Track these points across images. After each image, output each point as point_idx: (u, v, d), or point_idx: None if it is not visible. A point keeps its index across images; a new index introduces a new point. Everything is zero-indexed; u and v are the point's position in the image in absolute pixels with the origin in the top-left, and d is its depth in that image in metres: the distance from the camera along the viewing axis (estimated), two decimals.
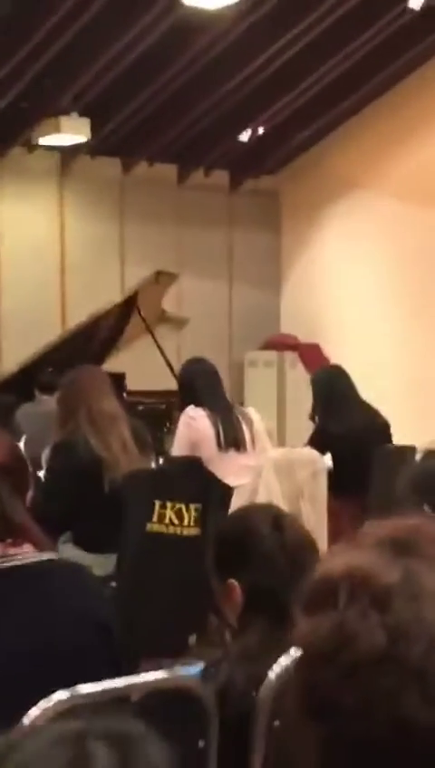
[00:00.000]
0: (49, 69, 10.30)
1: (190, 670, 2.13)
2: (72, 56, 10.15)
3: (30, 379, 8.46)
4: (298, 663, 0.95)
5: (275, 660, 1.95)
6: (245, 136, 12.75)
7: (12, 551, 2.08)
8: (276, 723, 1.97)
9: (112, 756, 0.90)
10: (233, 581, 2.13)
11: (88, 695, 1.73)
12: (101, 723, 0.95)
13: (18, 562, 2.06)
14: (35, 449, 5.92)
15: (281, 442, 11.59)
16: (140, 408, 8.36)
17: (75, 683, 1.75)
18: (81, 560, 4.35)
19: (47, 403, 7.60)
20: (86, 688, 1.75)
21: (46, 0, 9.21)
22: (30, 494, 2.21)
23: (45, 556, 2.13)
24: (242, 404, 10.68)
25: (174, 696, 1.93)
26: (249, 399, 12.69)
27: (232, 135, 12.64)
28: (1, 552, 2.07)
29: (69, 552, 4.44)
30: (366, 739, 0.88)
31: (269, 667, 1.97)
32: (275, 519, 2.16)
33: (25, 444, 7.31)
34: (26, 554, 2.09)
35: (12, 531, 2.08)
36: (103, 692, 1.77)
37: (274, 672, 1.96)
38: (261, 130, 12.75)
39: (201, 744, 1.89)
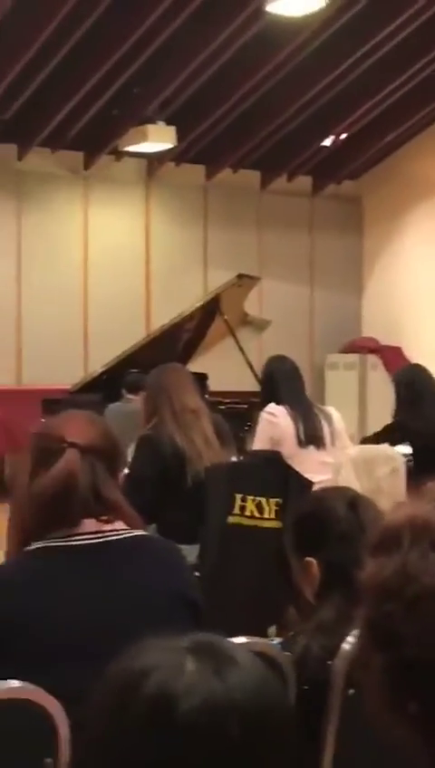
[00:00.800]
0: (136, 78, 10.53)
1: (270, 642, 2.27)
2: (159, 65, 10.37)
3: (116, 379, 8.68)
4: (365, 600, 1.09)
5: (349, 633, 2.08)
6: (328, 141, 12.84)
7: (106, 527, 2.23)
8: (351, 691, 2.09)
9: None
10: (310, 559, 2.26)
11: None
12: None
13: (112, 537, 2.21)
14: (123, 446, 6.12)
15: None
16: (222, 408, 8.50)
17: None
18: None
19: (133, 402, 7.83)
20: None
21: (134, 11, 9.43)
22: (121, 475, 2.37)
23: (138, 532, 2.28)
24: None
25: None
26: (330, 402, 12.73)
27: (315, 140, 12.75)
28: (96, 528, 2.21)
29: None
30: (423, 663, 1.02)
31: (344, 639, 2.09)
32: (351, 500, 2.30)
33: None
34: (119, 531, 2.24)
35: (106, 508, 2.22)
36: None
37: (348, 643, 2.08)
38: (344, 136, 12.83)
39: None
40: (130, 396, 8.02)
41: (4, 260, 11.63)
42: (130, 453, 5.57)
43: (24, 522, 2.27)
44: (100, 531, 2.22)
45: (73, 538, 2.20)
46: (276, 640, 2.24)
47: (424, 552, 1.04)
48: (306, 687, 2.11)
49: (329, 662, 2.11)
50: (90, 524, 2.22)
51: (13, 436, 9.77)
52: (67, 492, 2.19)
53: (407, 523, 1.07)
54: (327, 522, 2.27)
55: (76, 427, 2.29)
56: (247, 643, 2.03)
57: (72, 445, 2.23)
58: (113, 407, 7.98)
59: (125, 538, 2.24)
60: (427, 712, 1.03)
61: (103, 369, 9.42)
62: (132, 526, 2.29)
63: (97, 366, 10.01)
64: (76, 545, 2.19)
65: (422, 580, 1.03)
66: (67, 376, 10.49)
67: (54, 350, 11.66)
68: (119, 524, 2.26)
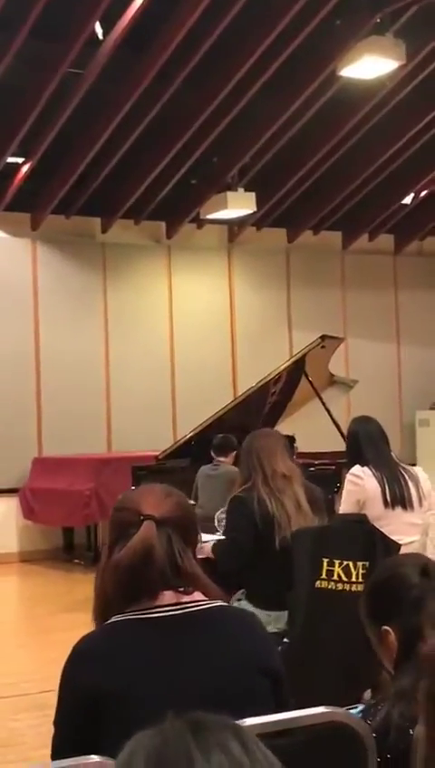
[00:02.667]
0: (215, 146, 10.74)
1: (352, 711, 2.26)
2: (237, 133, 10.57)
3: (204, 444, 8.74)
4: (427, 673, 1.08)
5: None
6: (408, 199, 12.87)
7: (185, 598, 2.25)
8: None
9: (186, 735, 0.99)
10: (387, 628, 2.25)
11: (251, 726, 1.88)
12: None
13: (191, 609, 2.23)
14: (212, 509, 6.18)
15: None
16: (311, 469, 8.48)
17: None
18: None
19: (222, 465, 7.88)
20: (249, 721, 1.90)
21: (210, 82, 9.64)
22: (199, 545, 2.40)
23: (216, 603, 2.29)
24: (414, 464, 10.67)
25: (336, 732, 2.06)
26: (422, 458, 12.64)
27: (395, 199, 12.79)
28: (175, 599, 2.24)
29: (245, 607, 4.62)
30: None
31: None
32: (423, 566, 2.28)
33: (203, 504, 7.61)
34: (198, 602, 2.26)
35: (184, 580, 2.25)
36: (265, 725, 1.92)
37: None
38: (424, 193, 12.84)
39: None
40: (219, 459, 8.08)
41: (92, 331, 11.85)
42: (217, 516, 5.63)
43: (105, 594, 2.31)
44: (179, 602, 2.24)
45: (153, 610, 2.22)
46: (358, 708, 2.21)
47: None
48: (389, 756, 2.09)
49: (411, 730, 2.09)
50: (169, 596, 2.24)
51: (104, 505, 9.90)
52: (144, 564, 2.22)
53: None
54: (400, 589, 2.26)
55: (152, 499, 2.33)
56: (326, 713, 2.02)
57: (149, 517, 2.27)
58: (203, 469, 8.05)
59: (204, 609, 2.25)
60: None
61: (191, 434, 9.48)
62: (211, 597, 2.30)
63: (185, 432, 10.09)
64: (156, 617, 2.21)
65: None
66: (156, 442, 10.59)
67: (143, 418, 11.80)
68: (198, 595, 2.28)
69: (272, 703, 2.21)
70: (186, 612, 2.22)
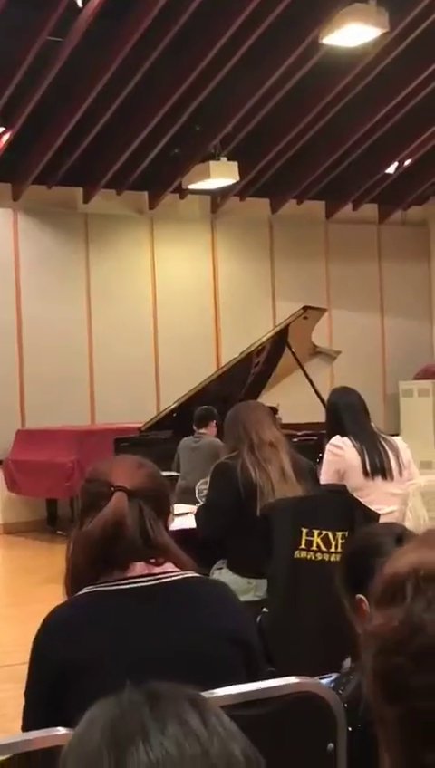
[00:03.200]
0: (197, 116, 10.66)
1: (324, 680, 2.25)
2: (219, 102, 10.49)
3: (187, 415, 8.73)
4: (373, 653, 1.06)
5: None
6: (391, 168, 12.82)
7: (156, 570, 2.24)
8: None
9: (142, 705, 0.96)
10: (361, 596, 2.25)
11: (220, 697, 1.87)
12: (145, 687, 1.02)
13: (162, 580, 2.22)
14: (194, 481, 6.18)
15: None
16: (294, 440, 8.48)
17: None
18: (236, 584, 4.54)
19: (204, 437, 7.88)
20: (219, 692, 1.90)
21: (190, 51, 9.55)
22: (171, 517, 2.38)
23: (188, 574, 2.28)
24: (398, 434, 10.70)
25: (306, 703, 2.05)
26: (405, 429, 12.67)
27: (379, 168, 12.74)
28: (146, 570, 2.23)
29: (225, 576, 4.64)
30: None
31: None
32: (399, 536, 2.28)
33: (185, 475, 7.62)
34: (169, 573, 2.25)
35: (155, 550, 2.24)
36: (234, 695, 1.92)
37: None
38: (407, 162, 12.79)
39: (330, 746, 2.01)
40: (201, 431, 8.07)
41: (74, 302, 11.80)
42: (200, 487, 5.63)
43: (76, 565, 2.30)
44: (150, 573, 2.23)
45: (124, 581, 2.21)
46: (330, 678, 2.21)
47: (429, 601, 1.01)
48: (359, 727, 2.08)
49: None
50: (140, 567, 2.23)
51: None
52: (115, 535, 2.21)
53: (410, 571, 1.04)
54: (375, 558, 2.26)
55: (123, 470, 2.31)
56: (297, 683, 2.02)
57: (120, 488, 2.25)
58: (185, 441, 8.04)
59: (176, 580, 2.25)
60: None
61: (174, 405, 9.48)
62: (183, 568, 2.29)
63: (169, 402, 10.09)
64: (127, 588, 2.21)
65: (428, 631, 1.00)
66: (140, 413, 10.58)
67: (126, 390, 11.77)
68: (169, 566, 2.27)
69: (244, 673, 2.21)
70: (157, 583, 2.22)
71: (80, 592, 2.23)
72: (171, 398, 10.05)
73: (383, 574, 1.08)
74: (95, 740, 0.95)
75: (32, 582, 8.34)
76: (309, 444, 8.56)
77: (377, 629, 1.04)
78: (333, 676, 2.34)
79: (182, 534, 4.98)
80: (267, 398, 9.69)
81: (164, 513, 2.33)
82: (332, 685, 2.19)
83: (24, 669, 2.24)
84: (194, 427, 8.23)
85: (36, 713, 2.17)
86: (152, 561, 2.24)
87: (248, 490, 4.54)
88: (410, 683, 1.00)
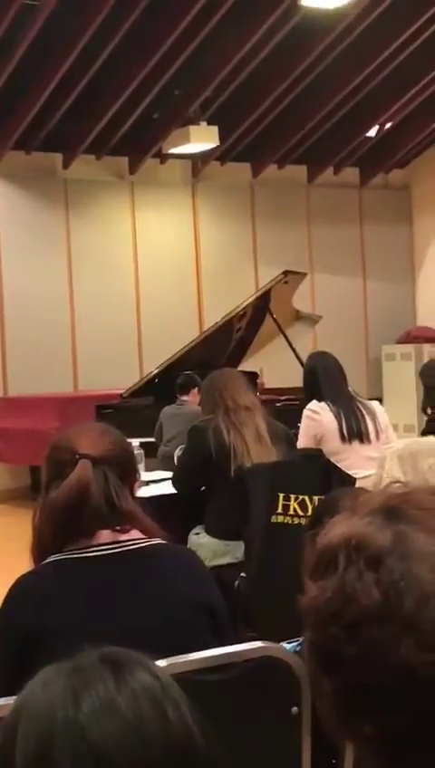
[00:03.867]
0: (176, 80, 10.57)
1: (291, 644, 2.27)
2: (198, 66, 10.40)
3: (169, 381, 8.73)
4: (308, 624, 1.06)
5: None
6: (372, 131, 12.76)
7: (122, 537, 2.24)
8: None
9: (106, 675, 0.99)
10: None
11: (185, 662, 1.89)
12: (97, 652, 1.05)
13: (128, 547, 2.23)
14: (175, 447, 6.20)
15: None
16: (277, 405, 8.50)
17: None
18: (212, 546, 4.57)
19: (187, 404, 7.87)
20: (184, 657, 1.91)
21: (168, 14, 9.46)
22: (137, 483, 2.39)
23: (154, 541, 2.29)
24: (381, 398, 10.72)
25: (270, 667, 2.07)
26: (388, 393, 12.70)
27: (360, 131, 12.68)
28: (112, 538, 2.23)
29: (202, 539, 4.66)
30: (370, 686, 0.99)
31: None
32: None
33: (166, 442, 7.62)
34: (135, 540, 2.25)
35: (121, 518, 2.24)
36: (199, 660, 1.93)
37: None
38: (389, 125, 12.74)
39: (294, 710, 2.03)
40: (183, 398, 8.06)
41: (55, 268, 11.74)
42: (177, 453, 5.65)
43: (42, 533, 2.30)
44: (116, 541, 2.24)
45: (89, 549, 2.22)
46: (296, 642, 2.22)
47: (360, 571, 1.01)
48: None
49: None
50: (106, 535, 2.24)
51: None
52: (80, 503, 2.21)
53: (342, 542, 1.04)
54: None
55: (88, 438, 2.31)
56: (260, 647, 2.03)
57: (84, 456, 2.25)
58: (167, 409, 8.03)
59: (142, 547, 2.26)
60: (379, 733, 1.00)
61: (156, 371, 9.47)
62: (149, 535, 2.30)
63: (152, 367, 10.07)
64: (92, 556, 2.21)
65: (360, 601, 1.00)
66: (122, 380, 10.56)
67: (109, 356, 11.75)
68: (135, 534, 2.28)
69: (210, 639, 2.22)
70: (123, 551, 2.23)
71: (46, 561, 2.24)
72: (154, 364, 10.03)
73: (316, 546, 1.08)
74: (52, 696, 0.96)
75: (15, 549, 8.33)
76: (291, 408, 8.56)
77: (311, 602, 1.04)
78: (296, 642, 2.35)
79: (163, 500, 5.02)
80: (250, 364, 9.70)
81: (130, 481, 2.33)
82: (298, 648, 2.20)
83: None
84: (176, 395, 8.23)
85: (3, 681, 2.18)
86: (118, 528, 2.25)
87: (221, 451, 4.57)
88: (344, 653, 1.00)
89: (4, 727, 0.98)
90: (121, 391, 9.74)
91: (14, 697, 1.87)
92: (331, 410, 5.13)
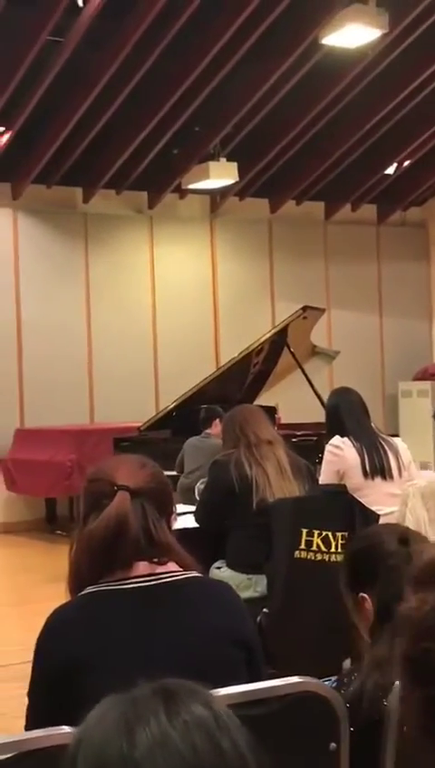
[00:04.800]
0: (196, 116, 10.66)
1: (327, 682, 2.26)
2: (218, 103, 10.49)
3: (186, 415, 8.74)
4: (407, 635, 1.07)
5: None
6: (390, 169, 12.83)
7: (159, 569, 2.24)
8: (405, 728, 2.07)
9: (158, 705, 0.98)
10: (364, 595, 2.26)
11: (223, 697, 1.88)
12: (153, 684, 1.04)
13: (165, 580, 2.23)
14: (196, 480, 6.20)
15: None
16: (293, 440, 8.50)
17: None
18: (235, 580, 4.55)
19: (210, 437, 7.88)
20: (221, 692, 1.90)
21: (191, 51, 9.56)
22: (174, 516, 2.39)
23: (191, 574, 2.29)
24: (397, 435, 10.70)
25: (308, 702, 2.06)
26: (404, 430, 12.68)
27: (378, 169, 12.75)
28: (149, 570, 2.23)
29: (224, 573, 4.65)
30: None
31: (398, 675, 2.07)
32: (401, 534, 2.30)
33: (188, 474, 7.63)
34: (172, 572, 2.25)
35: (158, 550, 2.24)
36: (237, 695, 1.92)
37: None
38: (406, 163, 12.81)
39: (332, 746, 2.01)
40: (206, 431, 8.08)
41: (73, 301, 11.80)
42: (199, 486, 5.65)
43: (79, 565, 2.30)
44: (153, 573, 2.24)
45: (127, 581, 2.22)
46: (331, 679, 2.22)
47: None
48: (361, 726, 2.09)
49: (384, 700, 2.09)
50: (143, 567, 2.24)
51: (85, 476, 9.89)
52: (118, 534, 2.21)
53: None
54: (378, 557, 2.27)
55: (126, 469, 2.31)
56: (299, 682, 2.02)
57: (123, 487, 2.25)
58: (191, 441, 8.05)
59: (178, 580, 2.25)
60: None
61: (173, 405, 9.48)
62: (186, 568, 2.29)
63: (168, 402, 10.09)
64: (130, 588, 2.21)
65: None
66: (139, 413, 10.58)
67: (125, 389, 11.78)
68: (172, 566, 2.27)
69: (245, 673, 2.21)
70: (160, 583, 2.22)
71: (82, 592, 2.24)
72: (170, 398, 10.05)
73: (421, 559, 1.09)
74: (108, 730, 0.96)
75: (31, 582, 8.35)
76: (308, 444, 8.56)
77: (410, 612, 1.05)
78: (333, 679, 2.34)
79: (182, 534, 5.02)
80: (266, 398, 9.71)
81: (167, 513, 2.33)
82: (334, 685, 2.19)
83: (25, 668, 2.24)
84: (200, 428, 8.24)
85: (39, 712, 2.17)
86: (155, 560, 2.24)
87: (243, 485, 4.57)
88: None
89: (66, 760, 0.98)
90: (138, 424, 9.75)
91: (52, 728, 1.88)
92: (353, 446, 5.13)
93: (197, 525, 4.98)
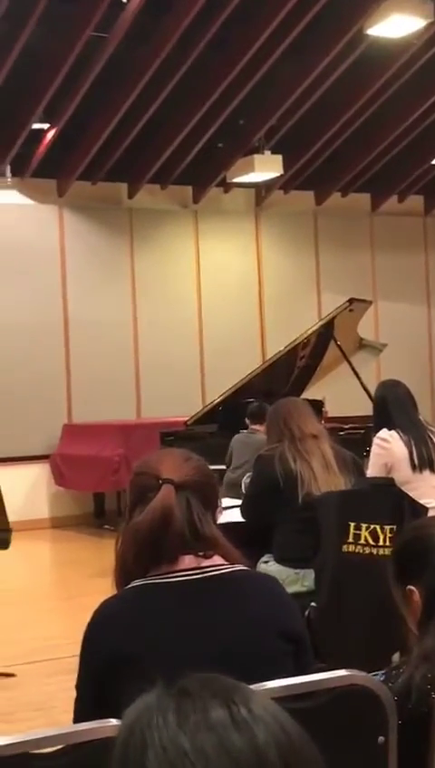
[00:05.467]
0: (241, 109, 10.64)
1: (374, 675, 2.24)
2: (263, 96, 10.46)
3: (232, 409, 8.72)
4: None
5: None
6: None
7: (205, 562, 2.24)
8: None
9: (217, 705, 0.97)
10: (412, 588, 2.24)
11: (269, 690, 1.87)
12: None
13: (211, 573, 2.22)
14: (242, 475, 6.19)
15: None
16: (340, 433, 8.46)
17: None
18: (282, 574, 4.54)
19: (258, 432, 7.86)
20: (268, 685, 1.89)
21: (234, 45, 9.54)
22: (219, 510, 2.38)
23: (237, 567, 2.28)
24: None
25: (356, 695, 2.05)
26: None
27: (424, 160, 12.64)
28: (194, 564, 2.23)
29: (271, 568, 4.64)
30: None
31: None
32: None
33: (234, 469, 7.63)
34: (218, 566, 2.25)
35: (203, 543, 2.24)
36: (284, 688, 1.91)
37: None
38: None
39: (381, 740, 2.00)
40: (254, 426, 8.06)
41: (119, 297, 11.85)
42: (244, 480, 5.65)
43: (125, 559, 2.30)
44: (199, 567, 2.23)
45: (173, 575, 2.21)
46: (380, 673, 2.20)
47: None
48: (409, 720, 2.07)
49: (432, 693, 2.07)
50: (189, 560, 2.23)
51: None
52: (164, 528, 2.21)
53: None
54: (426, 550, 2.24)
55: (171, 463, 2.31)
56: (347, 676, 2.01)
57: (168, 481, 2.25)
58: (238, 436, 8.04)
59: (224, 573, 2.24)
60: None
61: (219, 399, 9.48)
62: (232, 561, 2.29)
63: (214, 396, 10.09)
64: (176, 582, 2.21)
65: None
66: (185, 407, 10.59)
67: (172, 383, 11.80)
68: (218, 559, 2.26)
69: (292, 666, 2.20)
70: (206, 576, 2.22)
71: (129, 585, 2.24)
72: (216, 393, 10.05)
73: None
74: (155, 720, 0.96)
75: (80, 576, 8.40)
76: (356, 437, 8.52)
77: None
78: (381, 672, 2.32)
79: (229, 528, 5.01)
80: (313, 392, 9.67)
81: (212, 506, 2.32)
82: (382, 678, 2.18)
83: (74, 662, 2.25)
84: (247, 422, 8.23)
85: (86, 705, 2.18)
86: (201, 554, 2.24)
87: (288, 480, 4.55)
88: None
89: (114, 750, 0.98)
90: (185, 419, 9.77)
91: (99, 721, 1.88)
92: (401, 439, 5.08)
93: (243, 520, 4.98)
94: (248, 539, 4.90)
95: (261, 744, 0.93)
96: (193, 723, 0.94)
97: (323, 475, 4.58)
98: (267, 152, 11.33)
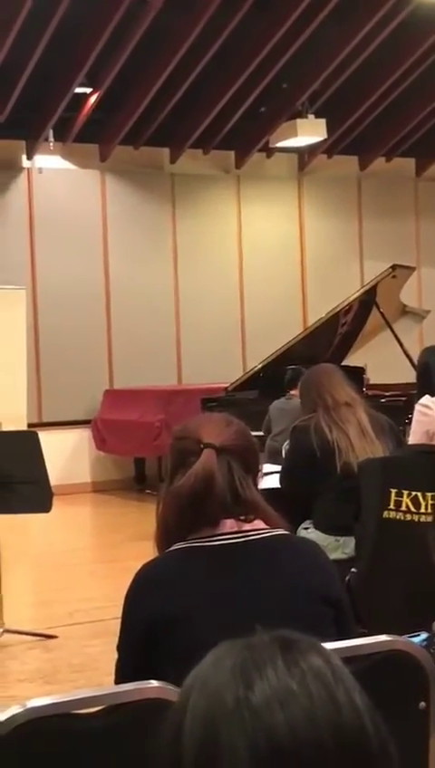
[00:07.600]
0: (284, 73, 10.54)
1: (415, 639, 2.24)
2: (306, 59, 10.35)
3: (273, 376, 8.71)
4: None
5: None
6: None
7: (246, 526, 2.24)
8: None
9: (277, 656, 0.97)
10: None
11: None
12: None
13: (252, 537, 2.22)
14: (283, 441, 6.19)
15: None
16: (382, 401, 8.42)
17: None
18: (323, 541, 4.54)
19: (295, 398, 7.84)
20: None
21: (277, 7, 9.43)
22: (260, 475, 2.38)
23: (278, 531, 2.28)
24: None
25: (397, 661, 2.05)
26: None
27: None
28: (236, 527, 2.23)
29: (311, 535, 4.64)
30: None
31: None
32: None
33: (274, 436, 7.62)
34: (259, 530, 2.25)
35: (244, 507, 2.24)
36: None
37: None
38: None
39: (422, 705, 2.00)
40: (291, 392, 8.04)
41: (161, 262, 11.84)
42: (285, 446, 5.64)
43: (167, 522, 2.31)
44: (240, 530, 2.23)
45: (214, 538, 2.22)
46: (421, 636, 2.20)
47: None
48: None
49: None
50: (230, 524, 2.24)
51: None
52: (205, 492, 2.21)
53: None
54: None
55: (212, 427, 2.31)
56: (388, 641, 2.01)
57: (209, 445, 2.25)
58: (276, 403, 8.03)
59: (265, 537, 2.25)
60: None
61: (260, 365, 9.46)
62: (272, 525, 2.29)
63: (255, 363, 10.08)
64: (217, 545, 2.21)
65: None
66: (226, 373, 10.59)
67: (213, 349, 11.80)
68: (259, 524, 2.27)
69: (334, 631, 2.20)
70: (247, 540, 2.22)
71: (170, 549, 2.25)
72: (258, 358, 10.03)
73: None
74: (224, 675, 0.96)
75: (120, 540, 8.47)
76: (398, 405, 8.47)
77: None
78: (423, 634, 2.32)
79: (270, 493, 5.02)
80: (355, 359, 9.62)
81: (253, 471, 2.32)
82: (423, 644, 2.18)
83: (116, 624, 2.27)
84: (284, 389, 8.21)
85: (127, 666, 2.20)
86: (242, 518, 2.24)
87: (325, 450, 4.54)
88: None
89: (174, 708, 0.98)
90: (225, 385, 9.77)
91: (140, 682, 1.90)
92: None
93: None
94: (289, 504, 4.92)
95: (359, 705, 0.94)
96: (300, 670, 0.94)
97: (359, 443, 4.56)
98: (311, 116, 11.22)
